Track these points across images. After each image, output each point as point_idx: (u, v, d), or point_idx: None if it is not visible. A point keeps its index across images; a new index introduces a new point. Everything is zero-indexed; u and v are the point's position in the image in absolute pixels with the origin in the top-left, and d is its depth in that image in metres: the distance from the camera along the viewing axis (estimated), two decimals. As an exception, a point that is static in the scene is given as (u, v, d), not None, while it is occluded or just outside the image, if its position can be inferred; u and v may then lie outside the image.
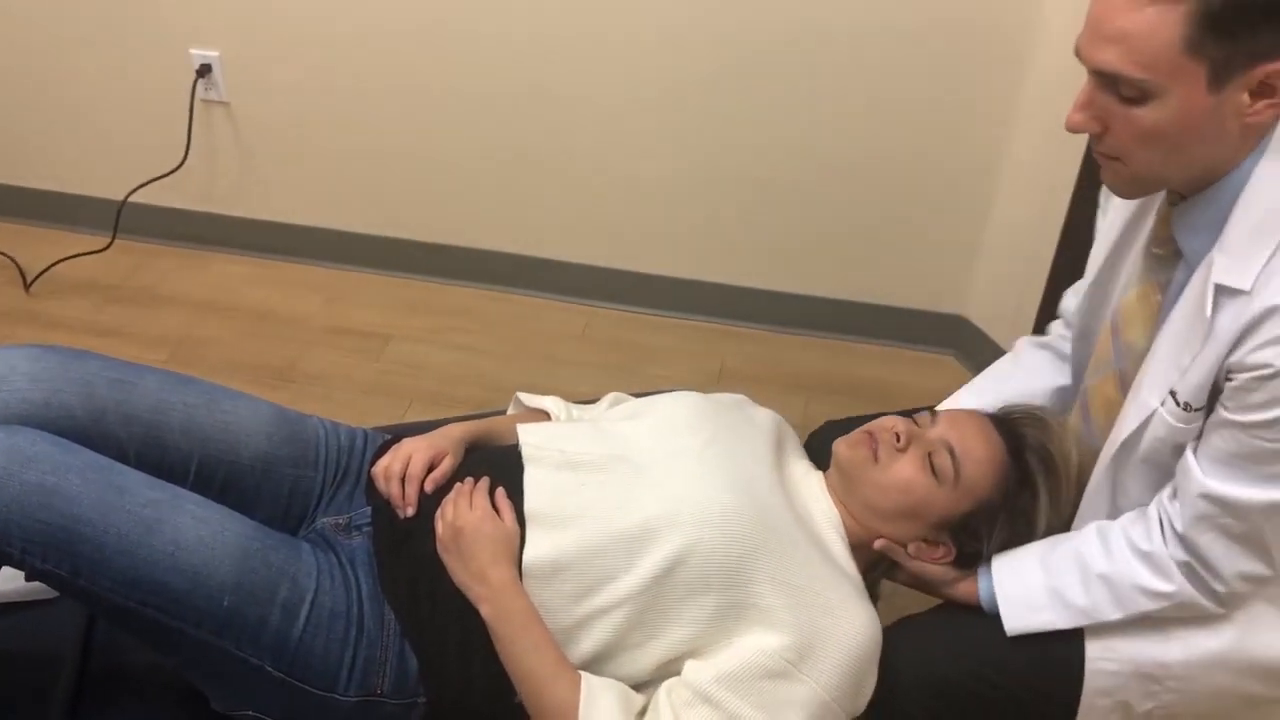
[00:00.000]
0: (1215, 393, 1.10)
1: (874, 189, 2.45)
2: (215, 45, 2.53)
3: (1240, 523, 1.10)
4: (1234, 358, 1.06)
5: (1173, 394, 1.12)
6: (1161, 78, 1.02)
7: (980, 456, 1.30)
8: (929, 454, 1.29)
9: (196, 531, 1.20)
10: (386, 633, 1.27)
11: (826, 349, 2.62)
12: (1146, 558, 1.18)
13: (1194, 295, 1.12)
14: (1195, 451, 1.13)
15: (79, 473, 1.18)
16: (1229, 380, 1.08)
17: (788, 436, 1.49)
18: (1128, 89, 1.04)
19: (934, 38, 2.25)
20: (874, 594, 1.35)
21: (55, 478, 1.17)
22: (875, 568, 1.38)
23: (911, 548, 1.32)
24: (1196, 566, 1.14)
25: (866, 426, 1.36)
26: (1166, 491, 1.18)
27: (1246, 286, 1.06)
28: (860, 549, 1.34)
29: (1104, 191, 1.40)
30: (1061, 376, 1.49)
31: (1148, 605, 1.18)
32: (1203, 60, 1.00)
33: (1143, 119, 1.05)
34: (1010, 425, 1.35)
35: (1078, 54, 1.08)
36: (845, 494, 1.35)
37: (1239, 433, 1.08)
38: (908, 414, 1.38)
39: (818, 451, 1.47)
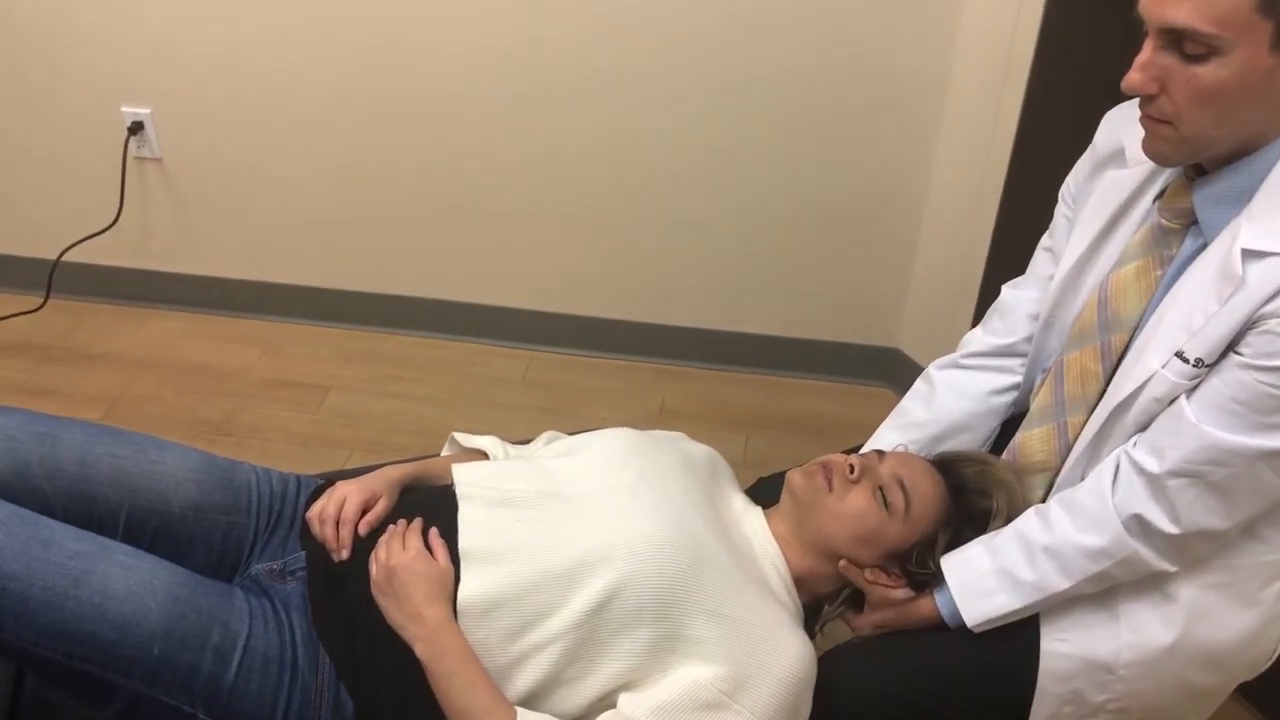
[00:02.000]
0: (1229, 348, 1.13)
1: (804, 228, 2.50)
2: (147, 102, 2.53)
3: (1220, 469, 1.13)
4: (1269, 307, 1.09)
5: (1179, 354, 1.15)
6: (1231, 34, 1.05)
7: (927, 491, 1.35)
8: (881, 487, 1.33)
9: (125, 581, 1.18)
10: (321, 676, 1.26)
11: (765, 385, 2.65)
12: (1070, 506, 1.22)
13: (1213, 261, 1.16)
14: (1189, 399, 1.15)
15: (1, 526, 1.16)
16: (1254, 328, 1.11)
17: (723, 471, 1.50)
18: (1193, 46, 1.07)
19: (856, 83, 2.31)
20: (813, 630, 1.36)
21: (-23, 533, 1.15)
22: (822, 602, 1.40)
23: (869, 573, 1.34)
24: (1150, 517, 1.17)
25: (820, 459, 1.39)
26: (1129, 444, 1.21)
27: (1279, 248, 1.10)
28: (802, 582, 1.36)
29: (1068, 184, 1.44)
30: (975, 392, 1.52)
31: (1092, 567, 1.21)
32: (1269, 19, 1.04)
33: (1203, 77, 1.08)
34: (949, 466, 1.40)
35: (1140, 14, 1.10)
36: (797, 524, 1.37)
37: (1248, 376, 1.11)
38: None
39: (757, 499, 1.49)
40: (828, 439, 2.45)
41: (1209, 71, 1.07)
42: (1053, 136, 2.02)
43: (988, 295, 2.26)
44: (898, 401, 2.54)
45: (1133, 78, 1.12)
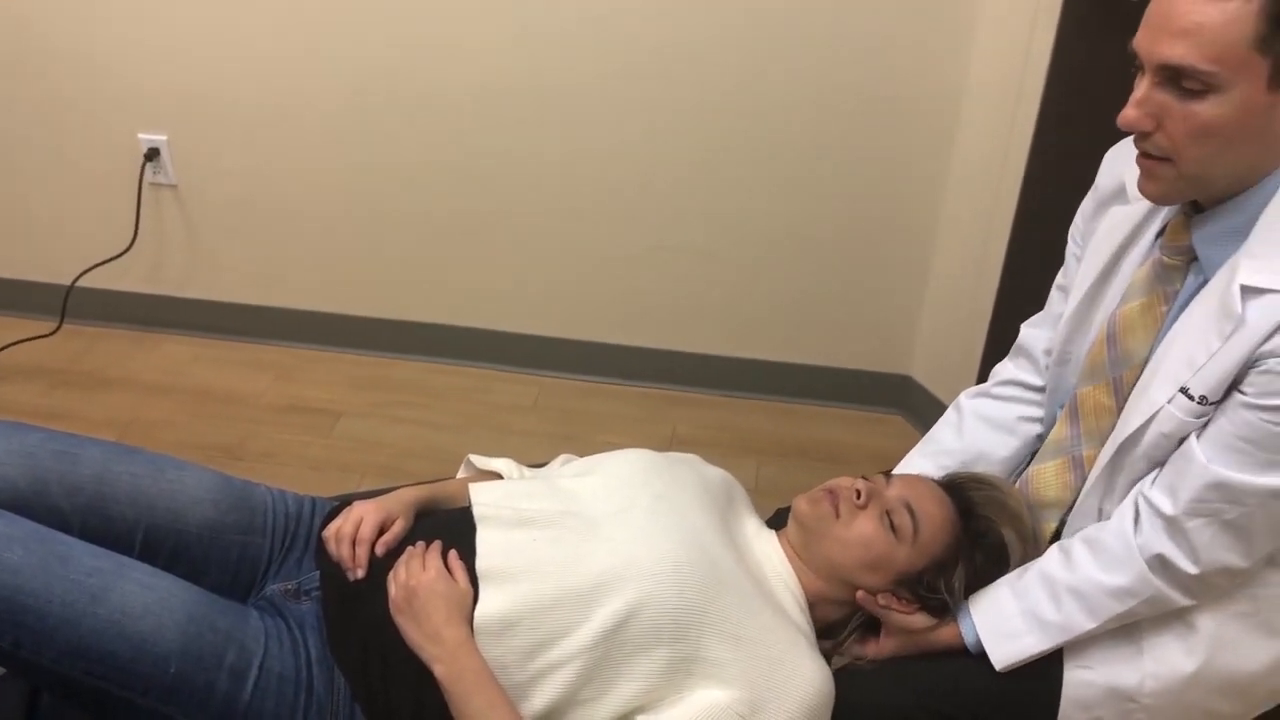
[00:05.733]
0: (1233, 386, 1.13)
1: (816, 255, 2.51)
2: (163, 129, 2.56)
3: (1234, 508, 1.13)
4: (1268, 346, 1.09)
5: (1184, 390, 1.15)
6: (1229, 71, 1.05)
7: (934, 514, 1.34)
8: (888, 512, 1.33)
9: (143, 599, 1.18)
10: (336, 697, 1.26)
11: (776, 412, 2.65)
12: (1094, 545, 1.22)
13: (1213, 298, 1.16)
14: (1198, 438, 1.16)
15: (21, 543, 1.17)
16: (1255, 367, 1.11)
17: (738, 494, 1.50)
18: (1191, 82, 1.07)
19: (868, 110, 2.33)
20: (829, 656, 1.35)
21: (-4, 549, 1.15)
22: (835, 626, 1.39)
23: (880, 598, 1.33)
24: (1171, 557, 1.17)
25: (826, 484, 1.39)
26: (1146, 483, 1.21)
27: (1279, 285, 1.10)
28: (817, 605, 1.36)
29: (1077, 222, 1.45)
30: (1005, 420, 1.52)
31: (1117, 607, 1.21)
32: (1268, 57, 1.04)
33: (1200, 114, 1.08)
34: (958, 489, 1.40)
35: (1136, 51, 1.11)
36: (806, 550, 1.36)
37: (1252, 415, 1.11)
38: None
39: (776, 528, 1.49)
40: (839, 466, 2.45)
41: (1206, 108, 1.08)
42: (1065, 163, 2.02)
43: (1000, 322, 2.27)
44: (910, 429, 2.58)
45: (1128, 114, 1.13)
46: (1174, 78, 1.08)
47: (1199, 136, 1.10)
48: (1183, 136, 1.10)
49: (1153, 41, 1.09)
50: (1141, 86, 1.12)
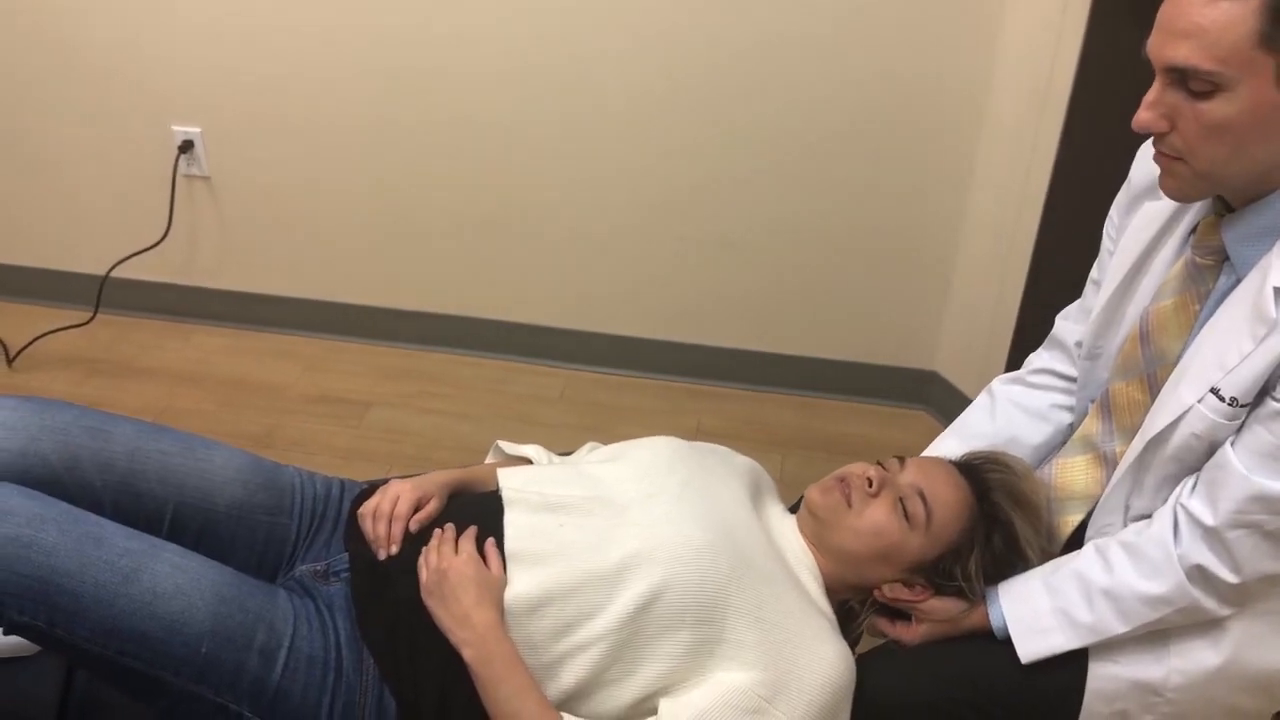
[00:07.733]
0: (1265, 390, 1.13)
1: (841, 249, 2.51)
2: (197, 121, 2.59)
3: (1276, 518, 1.12)
4: None
5: (1214, 391, 1.15)
6: (1234, 70, 1.05)
7: (949, 500, 1.33)
8: (900, 499, 1.33)
9: (174, 580, 1.20)
10: (365, 678, 1.27)
11: (801, 406, 2.65)
12: (1133, 551, 1.21)
13: (1245, 299, 1.16)
14: (1234, 446, 1.15)
15: (55, 524, 1.19)
16: None
17: (765, 483, 1.50)
18: (1198, 83, 1.07)
19: (893, 106, 2.32)
20: (853, 639, 1.36)
21: (31, 530, 1.17)
22: (852, 611, 1.39)
23: (889, 589, 1.33)
24: (1211, 568, 1.16)
25: (838, 472, 1.39)
26: (1184, 492, 1.20)
27: None
28: (835, 591, 1.36)
29: (1111, 216, 1.45)
30: (1038, 407, 1.53)
31: (1150, 615, 1.20)
32: (1273, 54, 1.04)
33: (1211, 113, 1.08)
34: (974, 471, 1.39)
35: (1148, 54, 1.12)
36: (819, 539, 1.37)
37: None
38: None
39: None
40: (863, 461, 2.44)
41: (1215, 107, 1.08)
42: (1094, 159, 2.01)
43: (1026, 318, 2.26)
44: (935, 425, 2.57)
45: (1142, 116, 1.14)
46: (1182, 79, 1.09)
47: (1211, 136, 1.10)
48: (1195, 136, 1.11)
49: (1160, 44, 1.10)
50: (1154, 88, 1.13)
